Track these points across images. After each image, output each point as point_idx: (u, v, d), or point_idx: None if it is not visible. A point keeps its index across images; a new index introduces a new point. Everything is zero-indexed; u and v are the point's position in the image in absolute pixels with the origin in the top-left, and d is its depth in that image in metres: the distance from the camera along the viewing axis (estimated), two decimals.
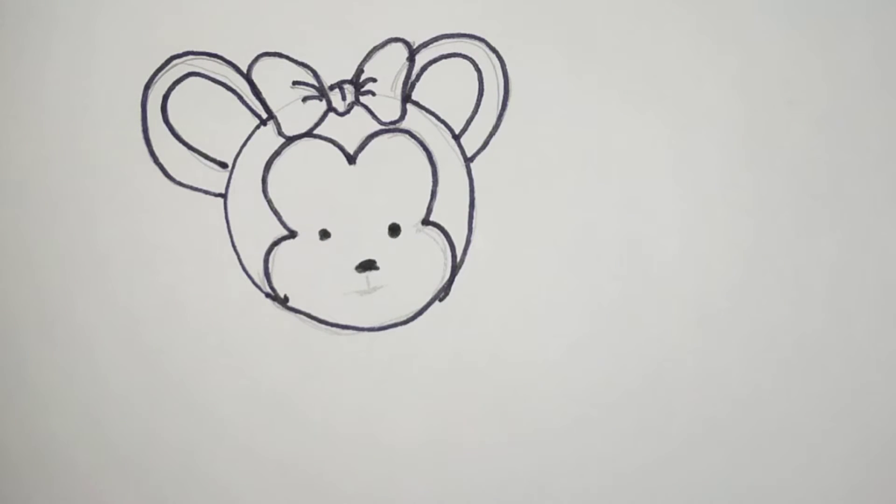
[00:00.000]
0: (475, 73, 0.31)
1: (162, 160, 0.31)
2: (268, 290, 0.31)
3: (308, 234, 0.31)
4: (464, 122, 0.31)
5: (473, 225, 0.31)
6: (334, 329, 0.31)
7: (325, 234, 0.31)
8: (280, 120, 0.31)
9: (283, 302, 0.31)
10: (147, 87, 0.31)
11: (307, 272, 0.31)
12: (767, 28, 0.31)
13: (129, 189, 0.31)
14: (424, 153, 0.31)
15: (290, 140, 0.31)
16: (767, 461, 0.30)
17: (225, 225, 0.31)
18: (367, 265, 0.31)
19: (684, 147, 0.31)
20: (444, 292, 0.31)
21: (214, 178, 0.31)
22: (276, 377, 0.31)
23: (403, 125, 0.31)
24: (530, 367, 0.31)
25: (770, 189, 0.30)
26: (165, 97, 0.31)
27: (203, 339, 0.31)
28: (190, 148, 0.31)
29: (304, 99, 0.31)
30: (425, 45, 0.31)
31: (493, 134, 0.31)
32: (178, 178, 0.31)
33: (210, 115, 0.31)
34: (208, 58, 0.31)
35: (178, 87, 0.31)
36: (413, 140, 0.31)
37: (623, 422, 0.30)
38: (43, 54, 0.31)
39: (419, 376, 0.30)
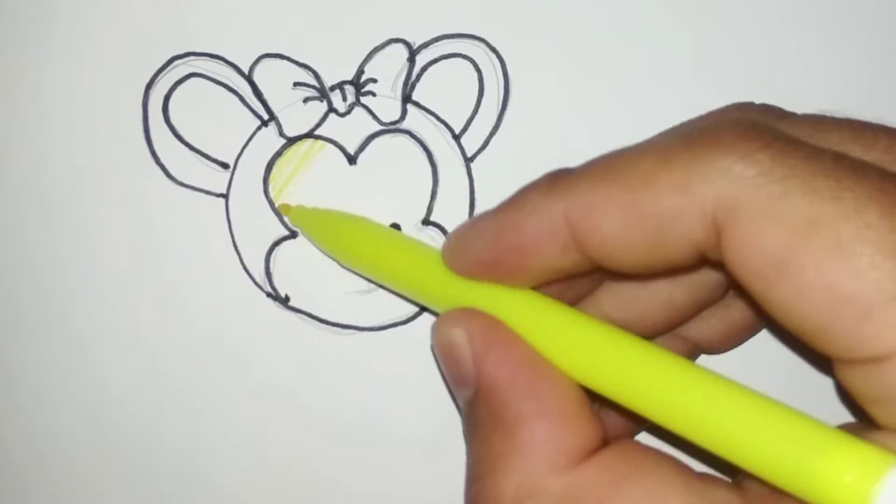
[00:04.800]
0: (475, 74, 0.31)
1: (163, 160, 0.31)
2: (269, 289, 0.31)
3: None
4: (464, 122, 0.31)
5: None
6: (335, 328, 0.31)
7: None
8: (281, 121, 0.31)
9: (284, 302, 0.31)
10: (148, 87, 0.31)
11: (308, 272, 0.31)
12: (769, 28, 0.31)
13: (130, 189, 0.31)
14: (425, 153, 0.31)
15: (291, 140, 0.31)
16: None
17: (226, 225, 0.31)
18: None
19: None
20: None
21: (216, 179, 0.31)
22: (277, 376, 0.31)
23: (404, 125, 0.31)
24: None
25: None
26: (167, 98, 0.31)
27: (204, 338, 0.31)
28: (191, 148, 0.31)
29: (305, 100, 0.31)
30: (425, 45, 0.31)
31: (494, 134, 0.31)
32: (179, 179, 0.31)
33: (211, 116, 0.31)
34: (210, 59, 0.31)
35: (179, 88, 0.31)
36: (413, 140, 0.31)
37: None
38: (43, 54, 0.31)
39: (419, 375, 0.30)
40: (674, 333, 0.26)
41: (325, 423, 0.31)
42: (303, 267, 0.31)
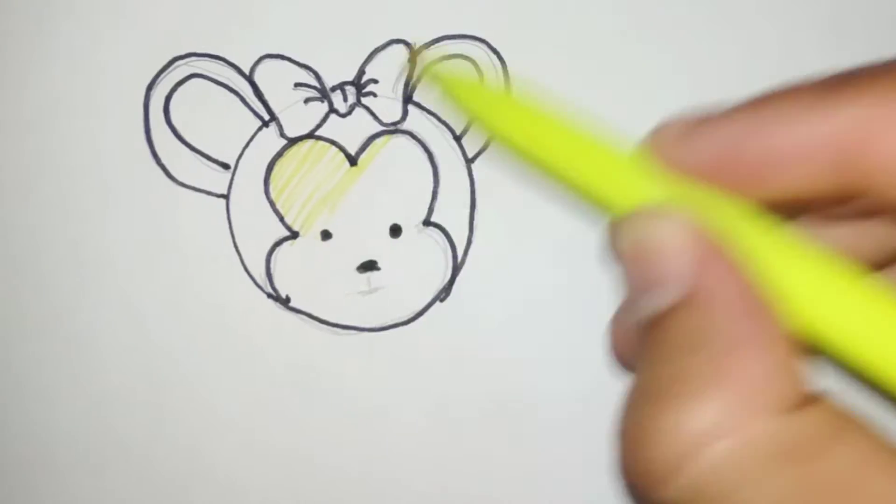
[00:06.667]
0: (476, 74, 0.31)
1: (164, 161, 0.31)
2: (269, 290, 0.31)
3: (309, 235, 0.31)
4: (465, 123, 0.31)
5: (474, 225, 0.31)
6: (335, 329, 0.31)
7: (326, 235, 0.31)
8: (282, 121, 0.31)
9: (285, 302, 0.31)
10: (149, 88, 0.31)
11: (309, 273, 0.31)
12: (769, 29, 0.31)
13: (131, 190, 0.31)
14: (426, 154, 0.31)
15: (292, 141, 0.31)
16: None
17: (227, 226, 0.31)
18: (368, 266, 0.31)
19: None
20: (445, 293, 0.31)
21: (217, 179, 0.31)
22: (278, 377, 0.31)
23: (405, 126, 0.31)
24: (532, 368, 0.31)
25: None
26: (168, 98, 0.31)
27: (204, 339, 0.31)
28: (192, 149, 0.31)
29: (306, 100, 0.31)
30: (426, 46, 0.31)
31: None
32: (180, 179, 0.31)
33: (212, 117, 0.31)
34: (211, 59, 0.31)
35: (180, 89, 0.31)
36: (414, 141, 0.31)
37: None
38: (45, 55, 0.31)
39: (419, 376, 0.30)
40: None
41: (326, 423, 0.31)
42: (303, 268, 0.31)
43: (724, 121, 0.18)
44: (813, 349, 0.17)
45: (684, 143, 0.18)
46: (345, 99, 0.31)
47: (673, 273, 0.17)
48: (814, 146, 0.16)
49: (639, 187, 0.18)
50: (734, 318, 0.16)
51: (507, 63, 0.31)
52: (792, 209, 0.19)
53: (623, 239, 0.18)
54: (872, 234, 0.20)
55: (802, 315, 0.17)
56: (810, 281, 0.17)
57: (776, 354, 0.16)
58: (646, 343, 0.18)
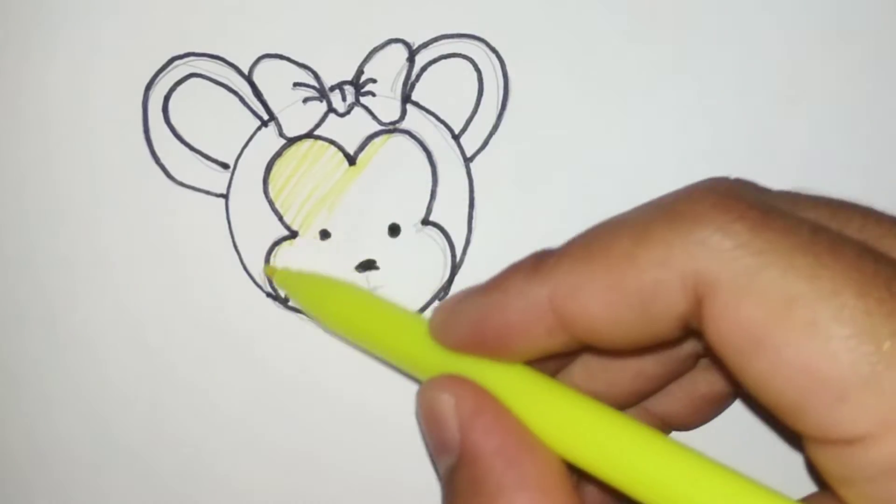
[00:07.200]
0: (475, 74, 0.31)
1: (163, 161, 0.31)
2: (269, 290, 0.31)
3: (308, 235, 0.31)
4: (463, 122, 0.31)
5: (473, 225, 0.31)
6: None
7: (325, 235, 0.31)
8: (281, 121, 0.31)
9: (284, 302, 0.31)
10: (148, 87, 0.31)
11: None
12: (768, 28, 0.31)
13: (130, 189, 0.31)
14: (424, 153, 0.31)
15: (290, 141, 0.31)
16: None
17: (226, 225, 0.31)
18: (367, 265, 0.31)
19: (685, 147, 0.31)
20: (443, 292, 0.31)
21: (216, 179, 0.31)
22: (277, 376, 0.31)
23: (403, 125, 0.31)
24: None
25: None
26: (167, 98, 0.31)
27: (204, 339, 0.31)
28: (191, 149, 0.31)
29: (305, 100, 0.31)
30: (425, 45, 0.31)
31: (493, 134, 0.31)
32: (179, 179, 0.31)
33: (211, 117, 0.31)
34: (210, 59, 0.31)
35: (179, 89, 0.31)
36: (413, 140, 0.31)
37: None
38: (44, 55, 0.31)
39: None
40: (641, 408, 0.27)
41: (326, 422, 0.31)
42: (303, 267, 0.31)
43: (469, 302, 0.21)
44: (579, 471, 0.20)
45: (449, 324, 0.22)
46: (343, 98, 0.31)
47: (448, 436, 0.21)
48: (533, 315, 0.20)
49: (429, 364, 0.23)
50: (500, 466, 0.19)
51: (506, 62, 0.31)
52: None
53: (418, 408, 0.22)
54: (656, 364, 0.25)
55: (559, 445, 0.20)
56: (562, 416, 0.20)
57: (536, 492, 0.19)
58: (443, 496, 0.21)
